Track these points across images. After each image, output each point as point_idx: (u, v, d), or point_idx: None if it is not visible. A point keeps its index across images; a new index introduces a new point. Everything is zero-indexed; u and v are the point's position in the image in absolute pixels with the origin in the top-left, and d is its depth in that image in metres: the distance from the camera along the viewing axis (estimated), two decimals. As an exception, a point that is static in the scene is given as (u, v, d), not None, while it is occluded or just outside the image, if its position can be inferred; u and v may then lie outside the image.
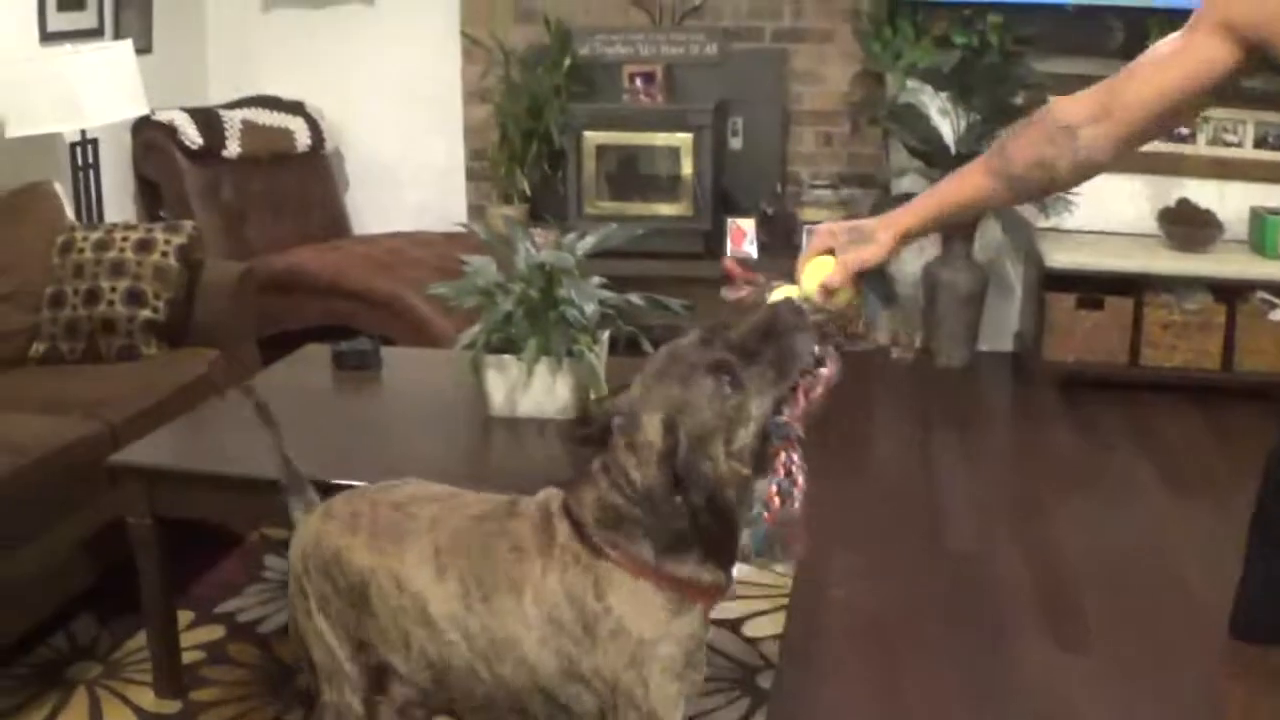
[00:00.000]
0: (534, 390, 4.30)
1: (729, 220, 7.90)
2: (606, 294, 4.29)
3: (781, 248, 7.96)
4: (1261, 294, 7.29)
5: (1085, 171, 2.66)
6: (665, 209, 7.94)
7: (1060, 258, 7.51)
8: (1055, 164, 2.65)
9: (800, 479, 2.69)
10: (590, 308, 4.16)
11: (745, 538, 2.71)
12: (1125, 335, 7.49)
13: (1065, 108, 2.66)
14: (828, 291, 2.75)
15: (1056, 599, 5.11)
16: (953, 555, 5.48)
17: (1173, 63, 2.58)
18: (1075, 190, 7.41)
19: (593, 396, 4.25)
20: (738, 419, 2.66)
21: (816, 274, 2.76)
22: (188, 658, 4.50)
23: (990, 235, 8.00)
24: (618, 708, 2.81)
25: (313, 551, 3.20)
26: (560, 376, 4.27)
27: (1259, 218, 7.56)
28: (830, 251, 2.76)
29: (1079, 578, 5.28)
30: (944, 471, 6.58)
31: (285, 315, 6.95)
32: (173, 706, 4.33)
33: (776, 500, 2.67)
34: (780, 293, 2.78)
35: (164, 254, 5.78)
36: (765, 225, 7.98)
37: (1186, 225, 7.56)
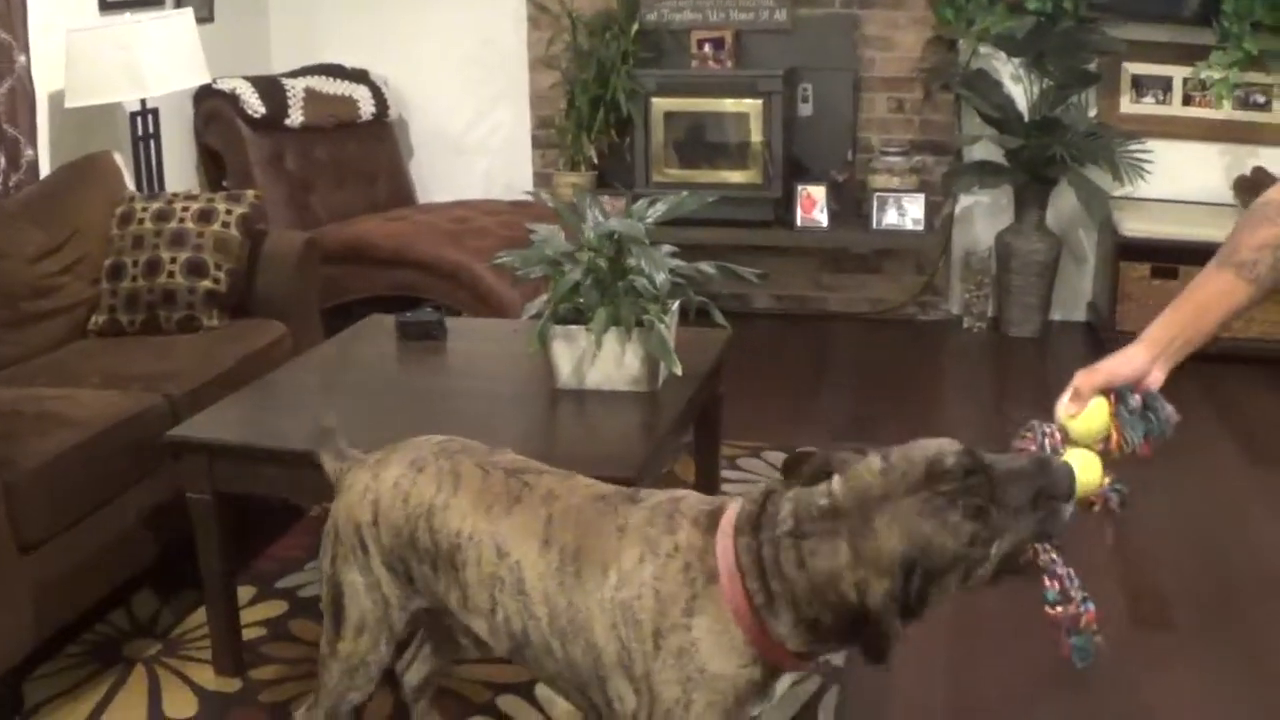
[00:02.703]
0: (602, 361, 4.20)
1: (799, 188, 7.77)
2: (677, 263, 4.17)
3: (851, 216, 7.89)
4: None
5: None
6: (734, 176, 7.84)
7: (1135, 226, 7.39)
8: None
9: (1065, 578, 2.57)
10: (661, 277, 4.04)
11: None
12: (1201, 305, 7.25)
13: (1274, 194, 2.69)
14: (1078, 399, 2.64)
15: (1133, 574, 4.98)
16: None
17: None
18: (1149, 158, 7.33)
19: (664, 371, 4.16)
20: (977, 561, 2.49)
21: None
22: (248, 634, 4.43)
23: (1064, 203, 7.88)
24: (652, 716, 2.71)
25: (389, 504, 3.11)
26: (629, 347, 4.16)
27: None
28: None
29: (1156, 552, 5.16)
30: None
31: (350, 285, 6.92)
32: (232, 685, 4.27)
33: (1056, 611, 2.57)
34: (1070, 456, 2.63)
35: (225, 224, 5.71)
36: (836, 193, 7.86)
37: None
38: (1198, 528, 5.44)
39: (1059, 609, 2.55)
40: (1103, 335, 7.60)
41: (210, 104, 7.52)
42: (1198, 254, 6.94)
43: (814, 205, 7.76)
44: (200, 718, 4.12)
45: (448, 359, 4.84)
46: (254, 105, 7.48)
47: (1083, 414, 2.63)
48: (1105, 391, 2.64)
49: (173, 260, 5.58)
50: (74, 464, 4.31)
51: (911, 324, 8.32)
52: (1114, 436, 2.64)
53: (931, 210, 7.86)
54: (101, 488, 4.43)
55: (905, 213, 7.72)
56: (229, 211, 5.74)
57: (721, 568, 2.64)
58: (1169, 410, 2.65)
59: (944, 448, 2.51)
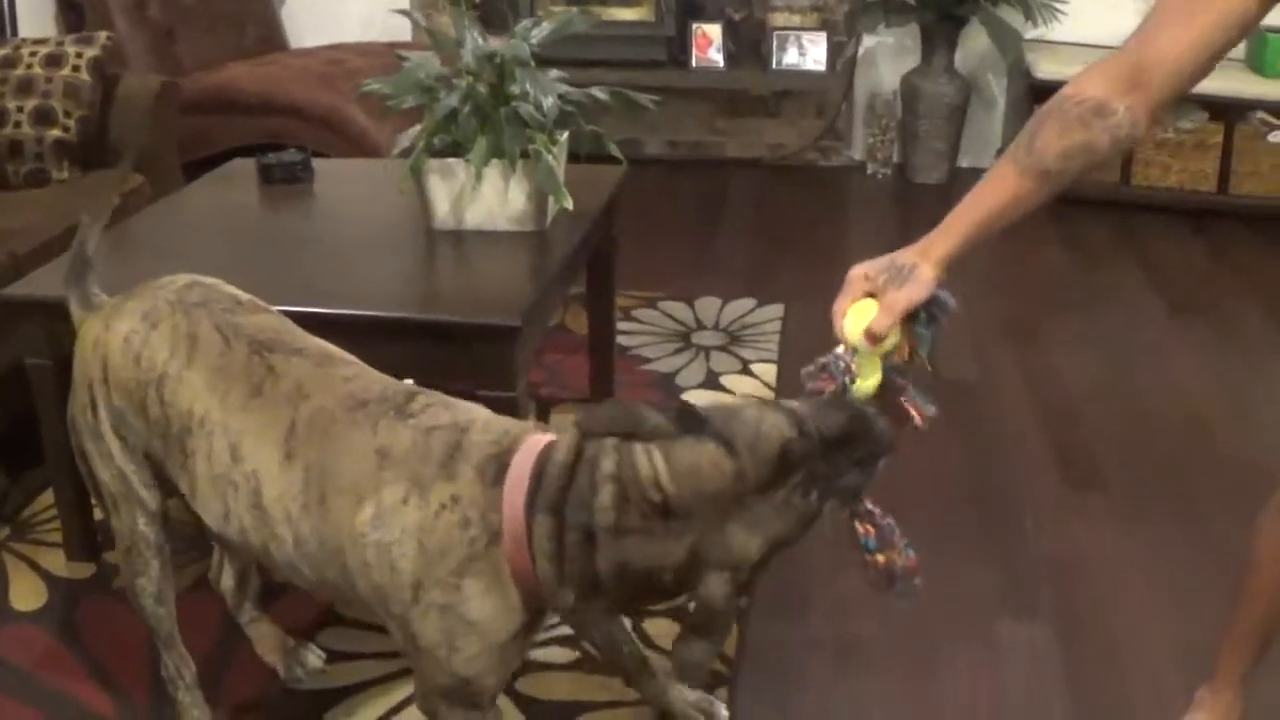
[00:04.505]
0: (484, 198, 3.86)
1: (694, 26, 7.58)
2: (566, 88, 3.88)
3: (748, 57, 7.68)
4: (1260, 115, 6.99)
5: (1126, 146, 2.39)
6: (626, 14, 7.58)
7: (1049, 69, 7.12)
8: (1093, 145, 2.33)
9: (884, 526, 2.40)
10: (548, 101, 3.75)
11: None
12: (1117, 153, 7.12)
13: (1087, 88, 2.36)
14: (875, 338, 2.42)
15: (1061, 429, 4.84)
16: (946, 384, 5.10)
17: (1199, 13, 2.27)
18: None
19: (553, 208, 3.84)
20: (812, 527, 2.31)
21: (859, 321, 2.45)
22: (100, 514, 4.03)
23: (974, 45, 7.68)
24: (416, 654, 2.42)
25: (119, 363, 2.72)
26: (514, 181, 3.83)
27: (1258, 36, 7.13)
28: (870, 295, 2.46)
29: (1082, 406, 5.03)
30: (927, 293, 6.10)
31: (217, 136, 6.55)
32: (85, 570, 3.94)
33: (879, 559, 2.40)
34: (862, 376, 2.47)
35: (75, 68, 5.36)
36: (732, 31, 7.67)
37: (1182, 40, 7.13)
38: (1122, 380, 5.31)
39: (880, 556, 2.40)
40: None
41: (65, -54, 7.08)
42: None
43: (709, 44, 7.58)
44: (50, 609, 3.80)
45: (314, 202, 4.51)
46: (112, -54, 7.02)
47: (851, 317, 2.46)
48: None
49: (19, 109, 5.24)
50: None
51: (812, 170, 8.09)
52: (905, 351, 2.49)
53: (834, 50, 7.68)
54: (-60, 356, 4.09)
55: (806, 53, 7.56)
56: (79, 55, 5.39)
57: (507, 534, 2.30)
58: (950, 303, 2.51)
59: (783, 430, 2.25)
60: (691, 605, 2.22)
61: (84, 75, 5.34)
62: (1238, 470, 4.49)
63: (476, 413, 2.47)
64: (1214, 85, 6.86)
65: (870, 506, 2.37)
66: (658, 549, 2.19)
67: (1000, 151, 7.52)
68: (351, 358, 2.66)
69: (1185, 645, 3.55)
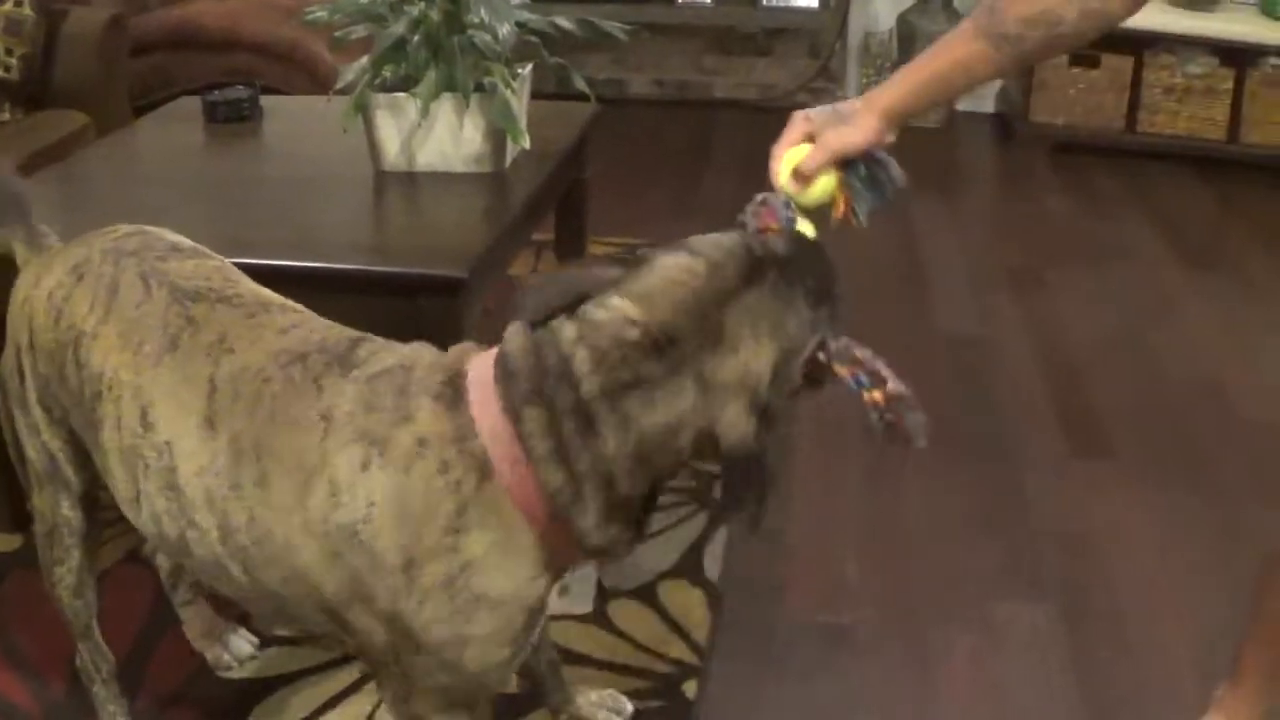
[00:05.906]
0: (436, 136, 3.61)
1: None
2: (527, 15, 3.62)
3: None
4: (1276, 61, 6.73)
5: (1096, 22, 2.22)
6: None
7: None
8: (1058, 15, 2.20)
9: (865, 359, 2.08)
10: (504, 29, 3.47)
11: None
12: (1122, 98, 7.01)
13: None
14: (802, 178, 2.35)
15: (1066, 389, 4.65)
16: (947, 338, 5.02)
17: None
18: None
19: (514, 149, 3.60)
20: (805, 339, 2.03)
21: (793, 164, 2.38)
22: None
23: None
24: (416, 660, 2.07)
25: (43, 322, 2.39)
26: (468, 118, 3.57)
27: (1272, -21, 6.95)
28: (810, 139, 2.37)
29: (1088, 362, 4.84)
30: (926, 242, 6.01)
31: (177, 75, 6.37)
32: (12, 542, 3.72)
33: (875, 395, 2.06)
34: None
35: (18, 3, 5.18)
36: None
37: (1192, -20, 6.92)
38: (1130, 334, 5.12)
39: (877, 393, 2.08)
40: (1015, 126, 7.28)
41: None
42: (1122, 42, 6.61)
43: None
44: (-27, 583, 3.61)
45: (260, 142, 4.26)
46: (70, -125, 6.76)
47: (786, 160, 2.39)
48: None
49: (-44, 49, 5.11)
50: None
51: (805, 113, 7.82)
52: (840, 206, 2.40)
53: (828, -14, 7.51)
54: None
55: (798, -12, 7.46)
56: (22, -12, 5.24)
57: (497, 454, 1.95)
58: (897, 173, 2.40)
59: (735, 236, 2.08)
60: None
61: (26, 10, 5.20)
62: (1255, 434, 4.32)
63: (422, 351, 2.13)
64: (1224, 27, 6.74)
65: (848, 343, 2.10)
66: (664, 397, 1.92)
67: (1000, 94, 7.36)
68: (297, 306, 2.33)
69: (1202, 630, 3.38)
